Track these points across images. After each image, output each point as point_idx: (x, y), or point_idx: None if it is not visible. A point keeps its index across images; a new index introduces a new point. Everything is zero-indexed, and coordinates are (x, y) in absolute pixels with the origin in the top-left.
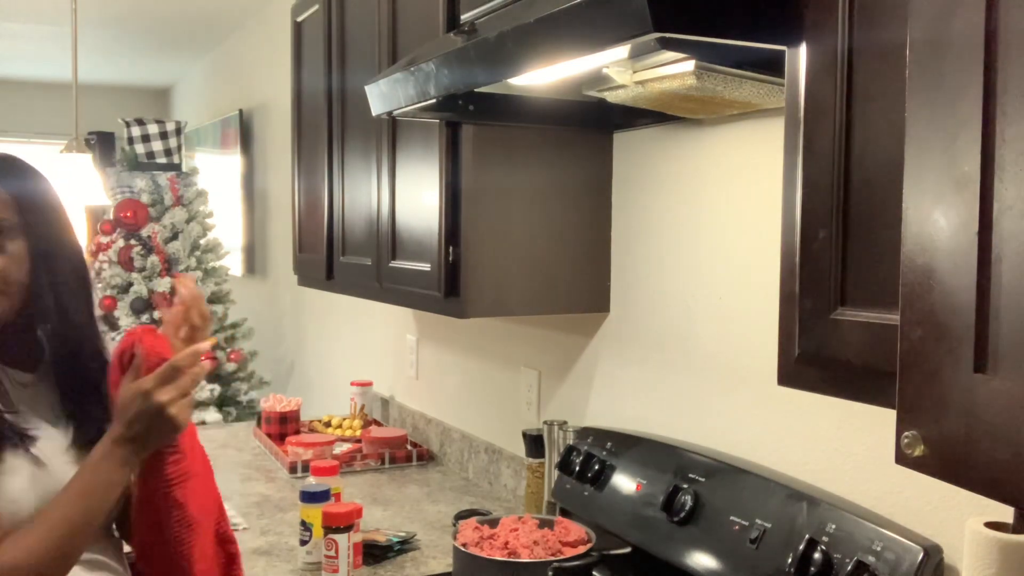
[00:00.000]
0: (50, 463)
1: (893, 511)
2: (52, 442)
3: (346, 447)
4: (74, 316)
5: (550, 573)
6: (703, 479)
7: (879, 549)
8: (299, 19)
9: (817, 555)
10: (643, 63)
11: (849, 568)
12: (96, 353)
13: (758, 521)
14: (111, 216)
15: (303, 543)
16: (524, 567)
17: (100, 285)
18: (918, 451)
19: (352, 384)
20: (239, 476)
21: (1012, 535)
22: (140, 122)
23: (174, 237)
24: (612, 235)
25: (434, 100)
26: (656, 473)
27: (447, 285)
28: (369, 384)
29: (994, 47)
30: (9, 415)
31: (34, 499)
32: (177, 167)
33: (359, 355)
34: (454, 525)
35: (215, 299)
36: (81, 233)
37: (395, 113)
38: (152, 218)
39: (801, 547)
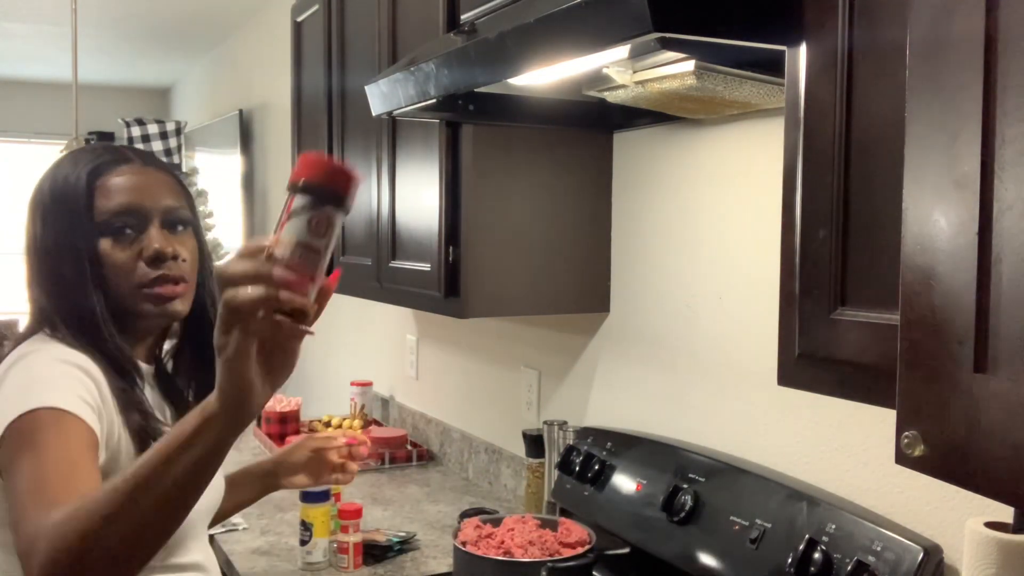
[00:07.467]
0: None
1: (893, 511)
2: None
3: None
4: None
5: (543, 573)
6: (703, 479)
7: (879, 549)
8: (299, 19)
9: (817, 555)
10: (643, 63)
11: (849, 568)
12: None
13: (758, 521)
14: None
15: (303, 543)
16: (518, 566)
17: None
18: (918, 451)
19: (352, 384)
20: None
21: (1012, 535)
22: (140, 122)
23: None
24: (612, 235)
25: (434, 100)
26: (656, 473)
27: (447, 285)
28: (369, 384)
29: (994, 47)
30: (165, 426)
31: None
32: (177, 167)
33: (359, 355)
34: (458, 523)
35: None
36: None
37: (395, 113)
38: None
39: (801, 547)
